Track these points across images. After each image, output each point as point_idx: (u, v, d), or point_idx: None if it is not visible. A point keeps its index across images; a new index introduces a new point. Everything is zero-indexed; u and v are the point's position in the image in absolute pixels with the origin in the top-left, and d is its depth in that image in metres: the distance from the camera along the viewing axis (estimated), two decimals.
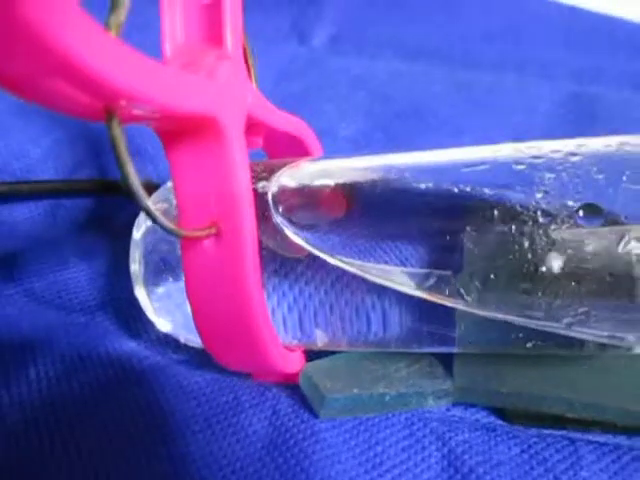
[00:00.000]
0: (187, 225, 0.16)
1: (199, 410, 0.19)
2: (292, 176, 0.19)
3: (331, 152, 0.29)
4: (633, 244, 0.16)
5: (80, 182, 0.26)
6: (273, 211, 0.18)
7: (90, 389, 0.20)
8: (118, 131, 0.12)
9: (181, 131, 0.15)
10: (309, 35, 0.37)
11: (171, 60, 0.16)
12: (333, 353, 0.20)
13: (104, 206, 0.26)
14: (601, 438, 0.18)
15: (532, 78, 0.33)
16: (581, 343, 0.18)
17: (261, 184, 0.18)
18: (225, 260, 0.16)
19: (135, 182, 0.13)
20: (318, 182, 0.19)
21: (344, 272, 0.19)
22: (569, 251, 0.15)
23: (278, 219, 0.18)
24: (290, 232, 0.18)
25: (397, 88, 0.32)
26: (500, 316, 0.16)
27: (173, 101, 0.13)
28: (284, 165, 0.19)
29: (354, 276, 0.19)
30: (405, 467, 0.17)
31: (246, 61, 0.20)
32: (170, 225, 0.15)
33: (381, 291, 0.19)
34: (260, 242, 0.18)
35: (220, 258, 0.16)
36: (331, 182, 0.19)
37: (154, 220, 0.14)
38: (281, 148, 0.22)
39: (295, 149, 0.22)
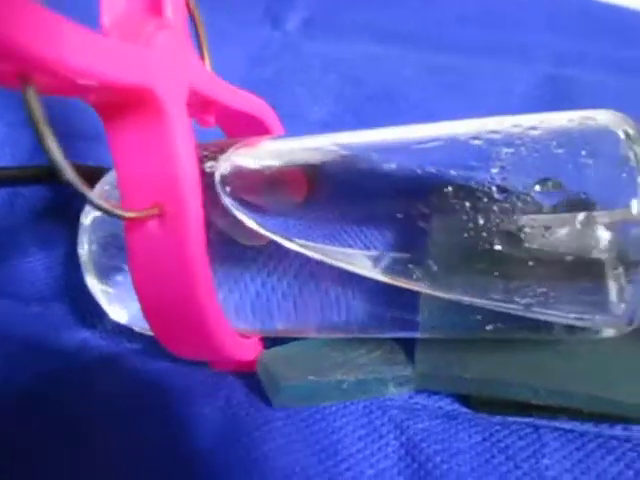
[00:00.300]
0: (130, 206, 0.15)
1: (150, 400, 0.18)
2: (245, 155, 0.18)
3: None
4: (600, 227, 0.15)
5: (38, 169, 0.25)
6: (221, 192, 0.17)
7: (42, 379, 0.19)
8: (34, 101, 0.11)
9: (118, 106, 0.14)
10: (283, 19, 0.36)
11: (109, 30, 0.15)
12: (293, 340, 0.20)
13: (64, 194, 0.25)
14: (568, 425, 0.18)
15: (508, 61, 0.33)
16: (548, 327, 0.17)
17: (209, 164, 0.18)
18: (169, 242, 0.15)
19: (58, 156, 0.12)
20: (273, 162, 0.18)
21: (306, 258, 0.18)
22: (526, 229, 0.15)
23: (226, 200, 0.17)
24: (241, 214, 0.17)
25: (369, 71, 0.31)
26: (457, 297, 0.16)
27: (96, 69, 0.12)
28: (241, 143, 0.19)
29: (316, 261, 0.18)
30: (361, 456, 0.16)
31: (198, 37, 0.19)
32: (104, 204, 0.14)
33: (344, 276, 0.18)
34: (211, 225, 0.17)
35: (164, 240, 0.15)
36: (287, 162, 0.18)
37: (85, 198, 0.13)
38: (240, 128, 0.21)
39: (255, 129, 0.21)
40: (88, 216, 0.19)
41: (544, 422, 0.18)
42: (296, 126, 0.29)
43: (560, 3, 0.37)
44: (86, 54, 0.11)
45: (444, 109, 0.29)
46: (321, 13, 0.36)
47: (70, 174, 0.12)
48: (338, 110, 0.29)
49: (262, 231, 0.17)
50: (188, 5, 0.18)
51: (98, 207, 0.14)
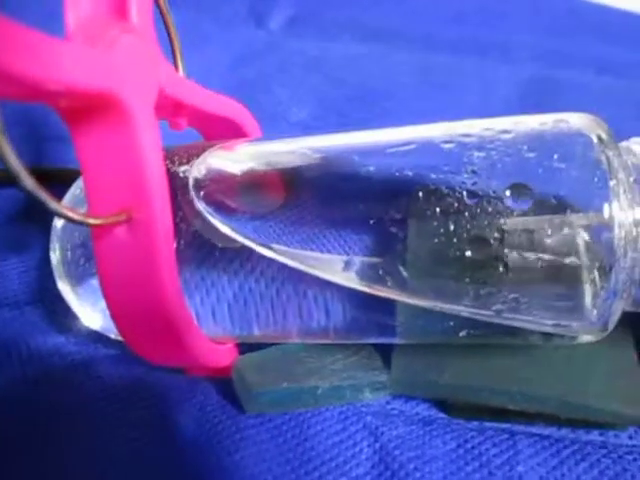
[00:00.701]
0: (97, 212, 0.15)
1: (123, 407, 0.18)
2: (220, 159, 0.18)
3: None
4: (573, 231, 0.15)
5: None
6: (194, 196, 0.17)
7: (14, 385, 0.19)
8: None
9: (83, 111, 0.14)
10: (267, 18, 0.36)
11: (74, 33, 0.15)
12: (270, 346, 0.19)
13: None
14: (545, 431, 0.17)
15: (493, 60, 0.32)
16: (524, 333, 0.17)
17: (183, 168, 0.17)
18: (137, 248, 0.15)
19: (15, 163, 0.12)
20: (249, 165, 0.18)
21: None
22: (496, 235, 0.14)
23: (200, 205, 0.17)
24: (214, 219, 0.17)
25: (353, 71, 0.31)
26: (429, 304, 0.15)
27: (57, 76, 0.12)
28: (211, 147, 0.18)
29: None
30: (334, 464, 0.16)
31: (171, 42, 0.19)
32: (68, 212, 0.14)
33: (322, 281, 0.18)
34: (186, 228, 0.17)
35: (132, 246, 0.15)
36: (263, 166, 0.18)
37: (44, 205, 0.13)
38: (216, 131, 0.21)
39: (232, 132, 0.21)
40: (60, 220, 0.19)
41: (521, 428, 0.17)
42: (277, 128, 0.29)
43: (545, 2, 0.37)
44: (46, 61, 0.11)
45: (428, 110, 0.29)
46: (305, 11, 0.36)
47: (29, 182, 0.12)
48: (321, 111, 0.29)
49: (236, 237, 0.17)
50: (160, 8, 0.18)
51: (61, 215, 0.13)
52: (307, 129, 0.28)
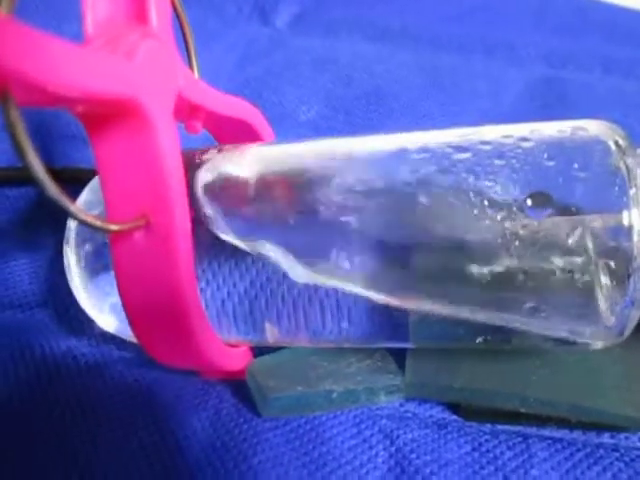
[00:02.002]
0: (115, 217, 0.15)
1: (137, 410, 0.18)
2: (230, 163, 0.18)
3: (291, 136, 0.28)
4: (598, 238, 0.15)
5: (24, 170, 0.25)
6: (203, 202, 0.17)
7: (23, 389, 0.19)
8: (15, 115, 0.11)
9: (102, 117, 0.14)
10: (272, 15, 0.36)
11: (93, 38, 0.15)
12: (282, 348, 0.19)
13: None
14: (557, 434, 0.18)
15: (500, 60, 0.32)
16: (539, 339, 0.17)
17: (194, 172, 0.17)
18: (156, 254, 0.15)
19: (40, 171, 0.12)
20: (258, 170, 0.18)
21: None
22: (515, 243, 0.14)
23: (209, 211, 0.17)
24: (223, 227, 0.17)
25: (360, 70, 0.31)
26: (446, 312, 0.15)
27: (78, 83, 0.12)
28: (225, 151, 0.18)
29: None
30: (351, 468, 0.16)
31: (186, 44, 0.19)
32: (89, 218, 0.13)
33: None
34: (196, 234, 0.17)
35: (151, 252, 0.15)
36: (273, 170, 0.18)
37: (66, 212, 0.13)
38: (229, 133, 0.21)
39: (244, 134, 0.21)
40: (75, 220, 0.19)
41: (533, 431, 0.18)
42: (285, 127, 0.29)
43: (552, 1, 0.37)
44: (67, 68, 0.11)
45: (436, 110, 0.29)
46: (311, 8, 0.36)
47: (53, 190, 0.12)
48: (328, 110, 0.29)
49: (244, 246, 0.17)
50: (176, 10, 0.18)
51: (83, 222, 0.13)
52: (316, 128, 0.28)
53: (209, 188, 0.17)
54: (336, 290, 0.18)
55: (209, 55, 0.33)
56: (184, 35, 0.18)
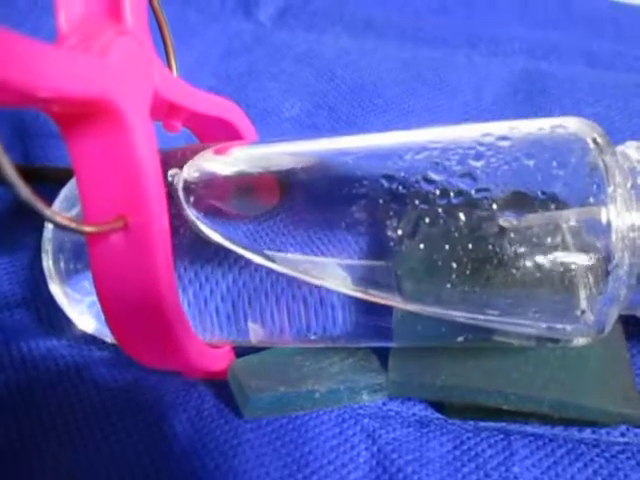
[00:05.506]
0: (92, 219, 0.15)
1: (118, 411, 0.18)
2: (211, 162, 0.18)
3: (275, 132, 0.28)
4: (567, 234, 0.15)
5: None
6: (183, 202, 0.16)
7: (2, 390, 0.18)
8: None
9: (77, 117, 0.14)
10: (255, 10, 0.35)
11: (66, 35, 0.14)
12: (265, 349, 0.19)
13: None
14: (539, 430, 0.18)
15: (484, 54, 0.32)
16: (520, 336, 0.17)
17: (172, 171, 0.17)
18: (134, 255, 0.15)
19: (12, 174, 0.12)
20: (241, 168, 0.18)
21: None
22: (493, 240, 0.14)
23: (190, 211, 0.16)
24: (204, 227, 0.17)
25: (344, 66, 0.31)
26: (425, 310, 0.15)
27: (50, 83, 0.11)
28: (204, 150, 0.18)
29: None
30: (332, 468, 0.16)
31: (164, 42, 0.19)
32: (65, 221, 0.13)
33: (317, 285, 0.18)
34: (182, 237, 0.17)
35: (129, 253, 0.15)
36: (256, 168, 0.18)
37: (39, 214, 0.12)
38: (210, 132, 0.21)
39: (226, 133, 0.21)
40: None
41: (515, 427, 0.18)
42: (268, 124, 0.28)
43: None
44: (37, 68, 0.11)
45: (420, 105, 0.29)
46: (295, 3, 0.35)
47: (25, 193, 0.12)
48: (312, 106, 0.29)
49: (228, 245, 0.17)
50: (153, 7, 0.17)
51: (57, 224, 0.13)
52: (300, 125, 0.28)
53: (189, 187, 0.17)
54: (319, 288, 0.18)
55: (192, 50, 0.33)
56: (162, 32, 0.18)
